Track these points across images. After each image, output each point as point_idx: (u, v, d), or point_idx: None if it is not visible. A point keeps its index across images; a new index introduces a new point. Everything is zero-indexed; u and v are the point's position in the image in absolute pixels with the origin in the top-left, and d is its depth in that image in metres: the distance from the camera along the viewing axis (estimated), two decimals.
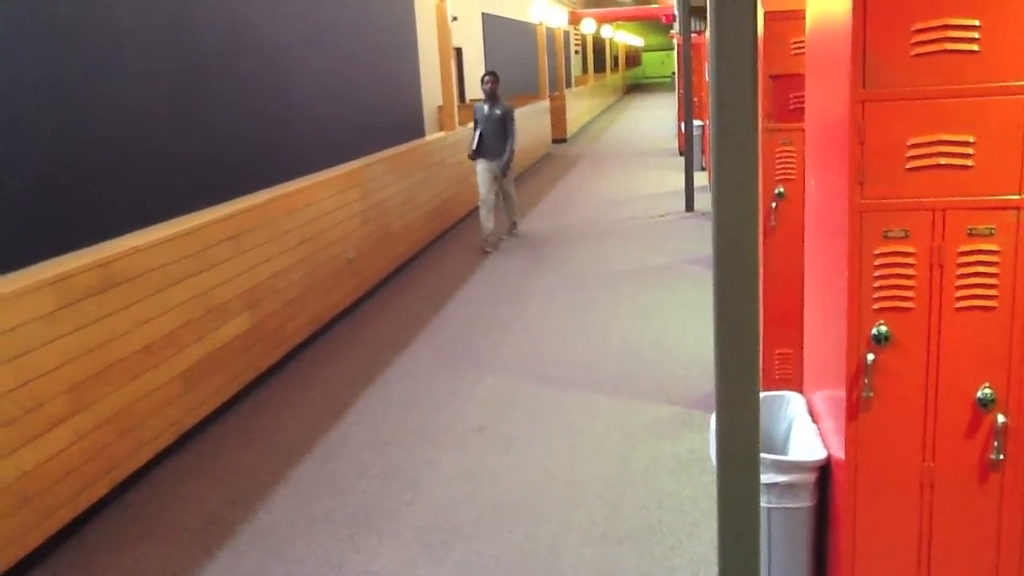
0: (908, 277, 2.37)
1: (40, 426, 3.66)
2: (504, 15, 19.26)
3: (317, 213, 6.54)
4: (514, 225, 9.99)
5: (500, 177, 9.38)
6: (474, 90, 18.18)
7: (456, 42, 14.12)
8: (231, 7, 5.95)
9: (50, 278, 3.77)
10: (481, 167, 9.31)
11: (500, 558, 3.54)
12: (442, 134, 10.72)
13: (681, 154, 13.52)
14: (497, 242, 9.39)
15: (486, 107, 9.19)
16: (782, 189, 4.13)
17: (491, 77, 9.14)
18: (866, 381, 2.42)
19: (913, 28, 2.26)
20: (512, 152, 9.30)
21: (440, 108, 11.79)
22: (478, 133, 9.22)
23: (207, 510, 4.08)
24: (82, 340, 3.93)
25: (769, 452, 2.81)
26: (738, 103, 2.04)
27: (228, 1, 5.89)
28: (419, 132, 10.38)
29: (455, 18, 12.78)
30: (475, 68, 17.96)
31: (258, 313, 5.54)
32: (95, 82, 4.52)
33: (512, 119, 9.19)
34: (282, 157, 6.53)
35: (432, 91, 11.48)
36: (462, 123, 11.55)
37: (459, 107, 12.01)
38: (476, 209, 11.84)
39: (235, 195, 5.70)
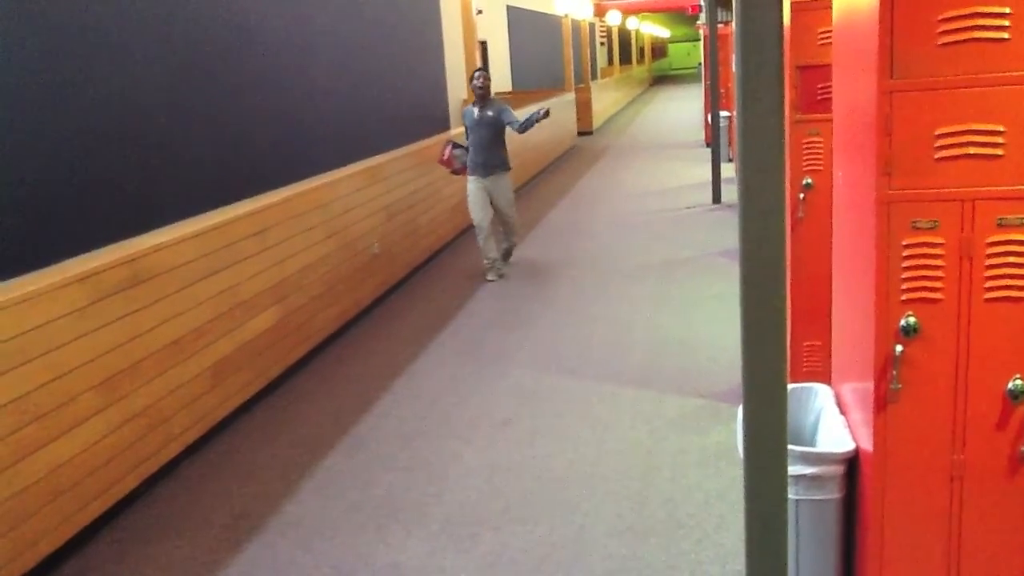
0: (937, 268, 2.34)
1: (72, 420, 3.71)
2: (529, 8, 19.22)
3: (343, 208, 6.57)
4: (508, 252, 8.18)
5: (493, 197, 7.77)
6: (500, 83, 18.18)
7: (481, 35, 14.11)
8: (256, 5, 5.99)
9: (80, 274, 3.82)
10: (472, 186, 7.77)
11: (526, 550, 3.55)
12: None
13: (708, 146, 13.44)
14: (501, 270, 7.93)
15: (476, 110, 7.67)
16: (810, 180, 4.10)
17: (483, 74, 7.68)
18: (894, 373, 2.40)
19: (941, 17, 2.23)
20: (533, 121, 7.65)
21: (465, 101, 11.79)
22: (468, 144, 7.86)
23: (236, 503, 4.12)
24: (112, 335, 3.98)
25: (797, 444, 2.79)
26: (764, 94, 2.02)
27: (247, 2, 5.93)
28: (444, 126, 10.37)
29: (480, 11, 12.78)
30: (500, 61, 17.95)
31: (285, 308, 5.58)
32: (122, 80, 4.56)
33: (509, 110, 7.68)
34: (307, 152, 6.57)
35: (457, 85, 11.48)
36: None
37: None
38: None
39: (261, 191, 5.74)
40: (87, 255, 4.09)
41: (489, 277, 7.83)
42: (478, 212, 7.71)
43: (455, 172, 7.90)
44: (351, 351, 6.18)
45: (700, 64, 47.17)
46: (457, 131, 10.40)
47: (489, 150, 7.65)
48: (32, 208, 3.96)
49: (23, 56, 3.94)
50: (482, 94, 7.62)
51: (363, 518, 3.90)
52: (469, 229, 10.21)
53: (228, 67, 5.62)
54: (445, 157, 7.82)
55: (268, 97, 6.07)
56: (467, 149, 7.80)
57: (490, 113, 7.60)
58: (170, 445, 4.38)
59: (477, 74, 7.69)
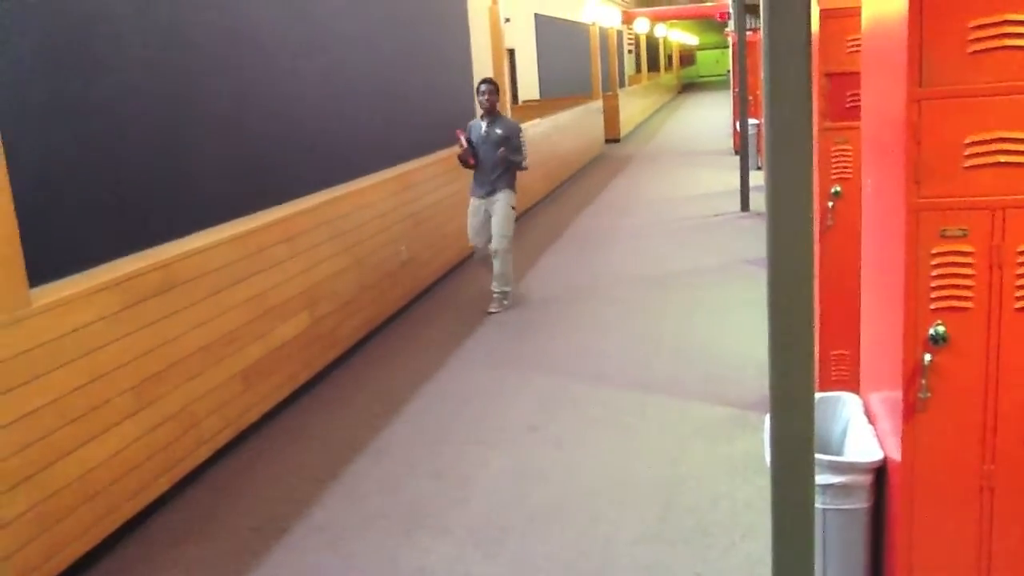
0: (966, 277, 2.33)
1: (105, 423, 3.77)
2: (557, 16, 19.26)
3: (371, 215, 6.62)
4: (498, 299, 7.13)
5: (491, 214, 7.03)
6: (528, 91, 18.22)
7: (508, 43, 14.16)
8: (286, 16, 6.06)
9: (114, 279, 3.88)
10: (472, 206, 7.16)
11: (552, 557, 3.56)
12: None
13: (736, 153, 13.39)
14: (504, 300, 7.17)
15: (483, 125, 7.03)
16: (838, 188, 4.08)
17: (489, 87, 6.97)
18: (923, 382, 2.39)
19: (971, 25, 2.22)
20: (519, 164, 6.99)
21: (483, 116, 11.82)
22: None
23: (265, 507, 4.16)
24: (145, 339, 4.04)
25: (824, 453, 2.78)
26: (792, 101, 2.02)
27: (279, 8, 6.00)
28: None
29: (508, 19, 12.82)
30: (528, 69, 18.00)
31: (314, 313, 5.63)
32: (155, 91, 4.64)
33: (519, 137, 7.00)
34: (336, 160, 6.62)
35: None
36: None
37: (512, 108, 12.04)
38: (531, 208, 11.91)
39: (290, 198, 5.81)
40: (121, 260, 4.16)
41: (492, 310, 7.06)
42: (473, 235, 7.15)
43: (462, 159, 7.09)
44: (378, 357, 6.21)
45: (728, 71, 47.03)
46: None
47: (494, 169, 6.97)
48: (67, 214, 4.03)
49: (60, 68, 4.02)
50: (488, 108, 7.00)
51: (389, 523, 3.92)
52: None
53: (259, 77, 5.69)
54: (461, 137, 7.00)
55: (297, 106, 6.14)
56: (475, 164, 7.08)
57: (499, 131, 6.95)
58: (201, 448, 4.43)
59: (483, 87, 7.00)
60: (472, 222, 7.19)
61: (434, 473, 4.38)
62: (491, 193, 7.02)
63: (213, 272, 4.58)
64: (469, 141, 7.02)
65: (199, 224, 4.83)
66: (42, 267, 3.62)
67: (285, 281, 5.30)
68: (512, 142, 6.92)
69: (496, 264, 7.05)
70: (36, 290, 3.53)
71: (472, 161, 7.04)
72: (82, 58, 4.15)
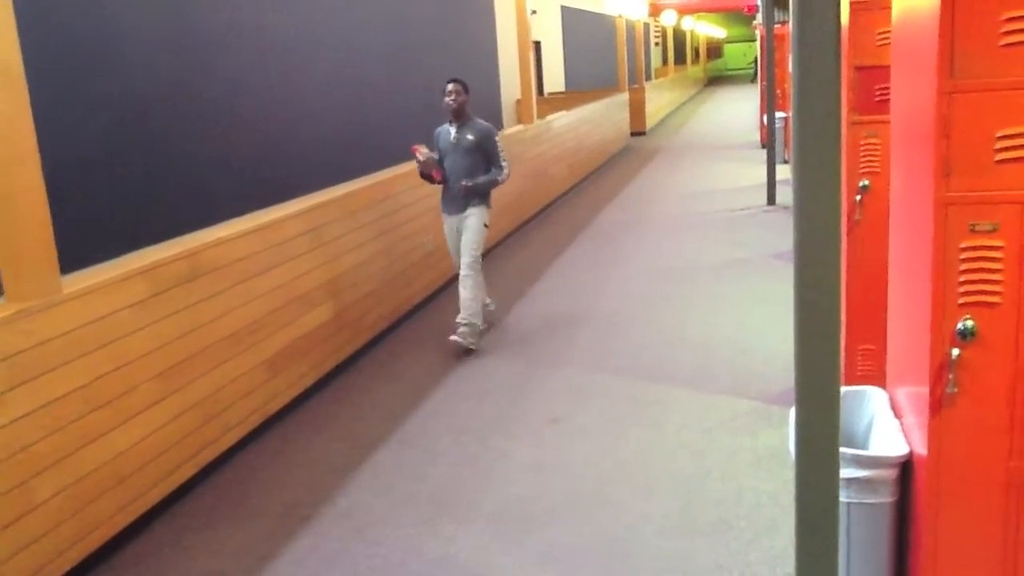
0: (995, 271, 2.31)
1: (132, 409, 3.82)
2: (583, 8, 19.20)
3: (395, 206, 6.64)
4: (463, 331, 5.91)
5: (460, 230, 6.03)
6: (554, 83, 18.20)
7: (535, 36, 14.14)
8: (310, 9, 6.09)
9: (142, 268, 3.92)
10: (446, 227, 6.19)
11: (574, 547, 3.57)
12: (520, 127, 10.76)
13: (763, 147, 13.30)
14: (487, 319, 6.37)
15: (452, 130, 6.02)
16: (867, 182, 4.05)
17: (456, 86, 5.94)
18: (950, 377, 2.37)
19: (1003, 17, 2.20)
20: (494, 182, 6.01)
21: (518, 102, 11.84)
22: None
23: (289, 493, 4.20)
24: (172, 327, 4.08)
25: (850, 447, 2.77)
26: (820, 94, 2.01)
27: (302, 4, 6.03)
28: (497, 126, 10.42)
29: (534, 12, 12.81)
30: (554, 61, 17.97)
31: (339, 303, 5.67)
32: (182, 83, 4.68)
33: (494, 143, 6.01)
34: (360, 151, 6.66)
35: (510, 85, 11.53)
36: (540, 116, 11.57)
37: (537, 101, 12.03)
38: (555, 201, 11.92)
39: (315, 189, 5.85)
40: (148, 249, 4.21)
41: (453, 338, 5.92)
42: (455, 257, 6.21)
43: (424, 173, 6.07)
44: (403, 347, 6.24)
45: (755, 62, 46.59)
46: (512, 130, 10.45)
47: (467, 177, 5.98)
48: (97, 203, 4.08)
49: (91, 64, 4.07)
50: (455, 110, 5.97)
51: (413, 511, 3.95)
52: (521, 228, 10.24)
53: (284, 70, 5.73)
54: (418, 152, 5.98)
55: (323, 97, 6.17)
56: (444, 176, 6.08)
57: (469, 137, 5.96)
58: (226, 435, 4.48)
59: (449, 87, 5.96)
60: (450, 243, 6.24)
61: (457, 463, 4.40)
62: (463, 208, 6.02)
63: (238, 261, 4.62)
64: (440, 160, 6.06)
65: (225, 214, 4.88)
66: (71, 256, 3.67)
67: (310, 270, 5.34)
68: (488, 144, 6.00)
69: (462, 290, 5.97)
70: (67, 277, 3.58)
71: (438, 176, 6.03)
72: (111, 54, 4.20)
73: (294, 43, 5.84)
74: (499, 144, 6.08)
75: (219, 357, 4.42)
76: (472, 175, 5.95)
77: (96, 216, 4.06)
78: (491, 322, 6.49)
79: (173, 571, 3.61)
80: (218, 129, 4.97)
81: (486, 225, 6.12)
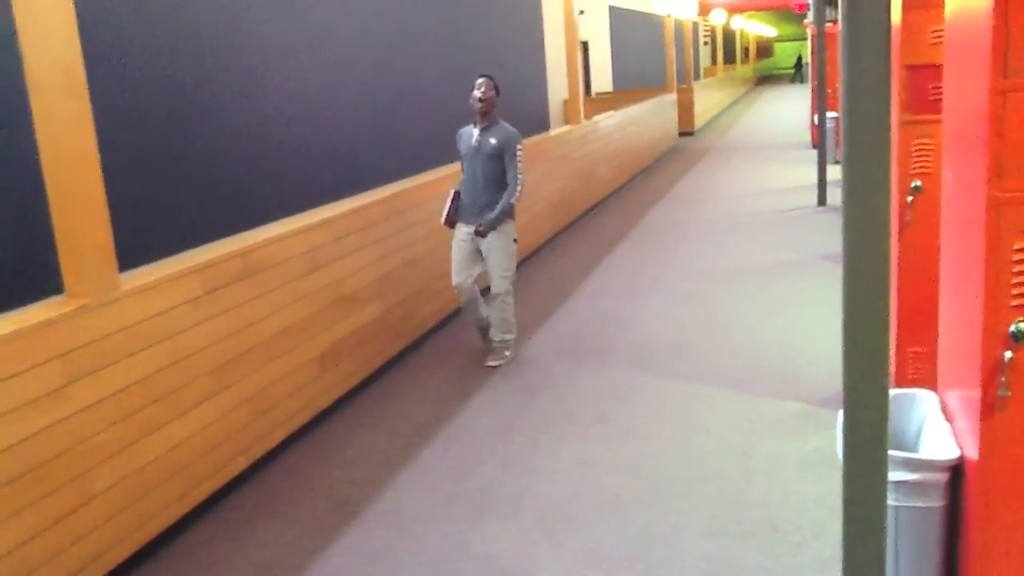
0: None
1: (187, 403, 3.91)
2: (631, 8, 19.13)
3: (443, 206, 6.68)
4: (499, 349, 5.79)
5: (484, 252, 5.66)
6: (601, 83, 18.15)
7: (582, 35, 14.13)
8: (359, 10, 6.16)
9: (197, 265, 4.02)
10: (459, 237, 5.74)
11: (619, 547, 3.57)
12: (567, 128, 10.77)
13: (814, 147, 13.14)
14: (488, 329, 5.85)
15: (475, 133, 5.63)
16: (919, 183, 3.99)
17: (487, 81, 5.58)
18: (1002, 380, 2.34)
19: None
20: (516, 199, 5.61)
21: (565, 102, 11.84)
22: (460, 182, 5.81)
23: (336, 489, 4.26)
24: (225, 324, 4.17)
25: (899, 450, 2.74)
26: (871, 94, 2.00)
27: (357, 7, 6.11)
28: (544, 126, 10.44)
29: (582, 12, 12.80)
30: (602, 61, 17.93)
31: (387, 301, 5.73)
32: (236, 86, 4.77)
33: (515, 152, 5.56)
34: (409, 151, 6.72)
35: (558, 85, 11.53)
36: (587, 116, 11.56)
37: (585, 101, 12.03)
38: (603, 201, 11.90)
39: (364, 188, 5.92)
40: (203, 247, 4.31)
41: (491, 363, 5.71)
42: (460, 271, 5.68)
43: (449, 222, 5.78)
44: (451, 344, 6.29)
45: (799, 61, 45.99)
46: (559, 131, 10.46)
47: (487, 189, 5.59)
48: (155, 203, 4.19)
49: (148, 66, 4.17)
50: (483, 110, 5.57)
51: (458, 509, 3.98)
52: (568, 227, 10.25)
53: (335, 71, 5.81)
54: (447, 211, 5.77)
55: (371, 99, 6.24)
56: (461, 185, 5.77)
57: (492, 141, 5.56)
58: (277, 431, 4.56)
59: (479, 81, 5.58)
60: (456, 256, 5.71)
61: (503, 461, 4.43)
62: (482, 218, 5.63)
63: (290, 260, 4.71)
64: (456, 196, 5.74)
65: (277, 214, 4.97)
66: (130, 253, 3.77)
67: (359, 269, 5.41)
68: (508, 152, 5.56)
69: (494, 310, 5.75)
70: (125, 275, 3.68)
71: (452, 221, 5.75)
72: (168, 57, 4.30)
73: (344, 44, 5.92)
74: (519, 154, 5.59)
75: (270, 353, 4.50)
76: (491, 182, 5.59)
77: (153, 215, 4.17)
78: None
79: (225, 562, 3.69)
80: (271, 130, 5.06)
81: (515, 240, 5.78)
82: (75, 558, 3.30)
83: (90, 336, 3.39)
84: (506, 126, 5.65)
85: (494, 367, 5.73)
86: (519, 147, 5.59)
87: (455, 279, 5.68)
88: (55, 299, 3.43)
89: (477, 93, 5.55)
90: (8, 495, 3.03)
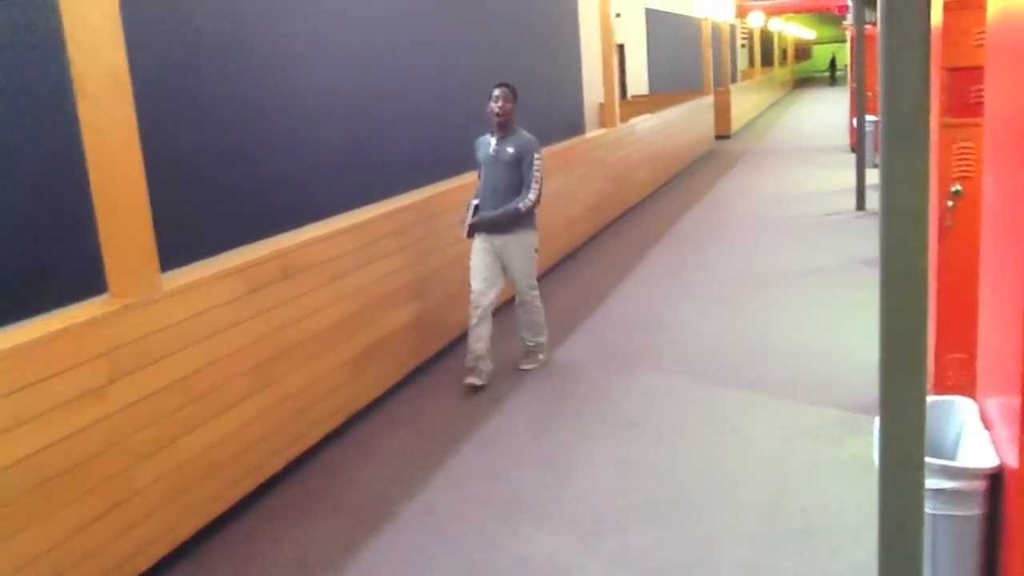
0: None
1: (226, 403, 3.97)
2: (668, 10, 19.04)
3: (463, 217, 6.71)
4: (533, 352, 5.84)
5: (505, 263, 5.56)
6: (637, 86, 18.10)
7: (618, 38, 14.10)
8: (395, 12, 6.21)
9: (237, 266, 4.08)
10: (478, 246, 5.57)
11: (653, 551, 3.57)
12: (602, 131, 10.76)
13: (853, 151, 13.01)
14: (486, 372, 5.49)
15: (492, 142, 5.50)
16: (959, 187, 3.95)
17: (504, 92, 5.43)
18: None
19: None
20: (514, 212, 5.39)
21: (601, 105, 11.82)
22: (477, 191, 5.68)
23: (372, 489, 4.30)
24: (265, 324, 4.23)
25: (937, 458, 2.71)
26: (909, 97, 1.99)
27: (391, 10, 6.15)
28: (579, 129, 10.43)
29: (618, 15, 12.77)
30: (638, 64, 17.88)
31: (422, 304, 5.77)
32: (275, 89, 4.83)
33: (532, 160, 5.40)
34: (444, 155, 6.75)
35: (593, 88, 11.51)
36: (623, 119, 11.54)
37: (620, 104, 12.00)
38: (638, 204, 11.87)
39: (400, 192, 5.96)
40: (242, 249, 4.37)
41: (468, 380, 5.40)
42: (479, 282, 5.50)
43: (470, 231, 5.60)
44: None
45: (834, 63, 45.50)
46: (594, 134, 10.45)
47: (505, 198, 5.43)
48: (196, 205, 4.25)
49: (189, 70, 4.24)
50: (500, 121, 5.44)
51: (492, 510, 4.00)
52: (604, 230, 10.23)
53: (374, 74, 5.86)
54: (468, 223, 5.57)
55: (406, 102, 6.28)
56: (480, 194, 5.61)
57: (510, 150, 5.42)
58: (313, 430, 4.61)
59: (496, 92, 5.44)
60: (477, 263, 5.54)
61: (536, 463, 4.44)
62: (503, 231, 5.50)
63: (328, 261, 4.76)
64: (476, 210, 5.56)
65: (315, 216, 5.03)
66: (172, 254, 3.84)
67: (395, 271, 5.45)
68: (526, 162, 5.41)
69: (523, 315, 5.77)
70: (166, 275, 3.75)
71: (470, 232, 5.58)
72: (208, 60, 4.37)
73: (382, 52, 5.97)
74: (537, 162, 5.42)
75: (308, 354, 4.55)
76: (511, 193, 5.42)
77: (194, 217, 4.23)
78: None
79: (263, 559, 3.74)
80: (309, 134, 5.12)
81: (535, 250, 5.68)
82: (116, 554, 3.36)
83: (133, 335, 3.45)
84: (524, 134, 5.50)
85: (527, 370, 5.76)
86: (537, 155, 5.44)
87: (475, 285, 5.51)
88: (100, 299, 3.51)
89: (494, 106, 5.42)
90: (53, 490, 3.10)
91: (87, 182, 3.40)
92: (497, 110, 5.40)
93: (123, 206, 3.45)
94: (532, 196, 5.40)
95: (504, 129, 5.47)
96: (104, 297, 3.50)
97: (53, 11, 3.29)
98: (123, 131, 3.43)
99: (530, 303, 5.71)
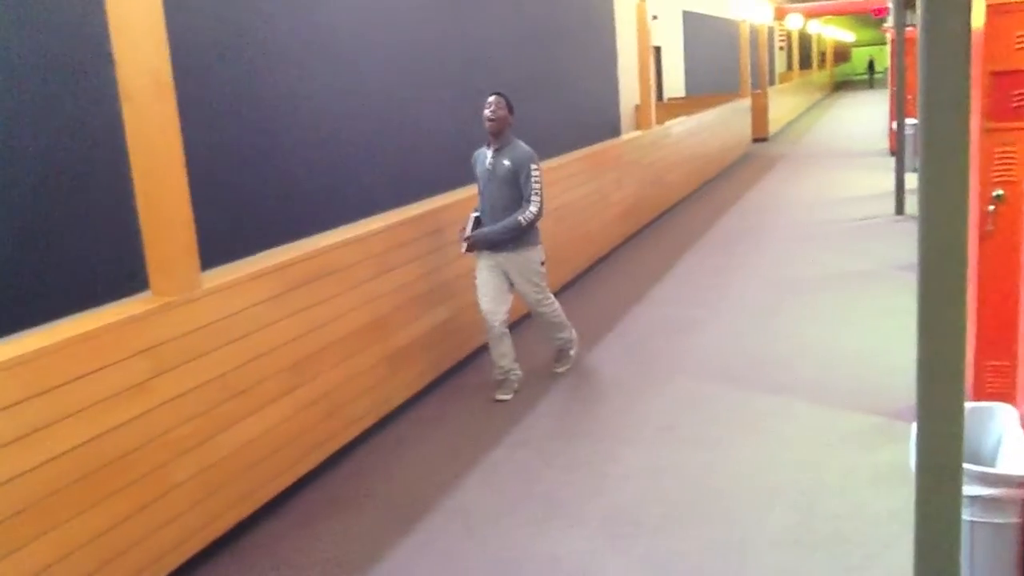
0: None
1: (262, 400, 4.02)
2: (705, 13, 18.97)
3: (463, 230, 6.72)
4: (564, 351, 5.84)
5: (512, 281, 5.40)
6: (674, 88, 18.04)
7: (655, 41, 14.06)
8: (430, 15, 6.26)
9: (275, 265, 4.13)
10: (481, 264, 5.40)
11: (685, 555, 3.56)
12: (638, 133, 10.74)
13: (892, 154, 12.86)
14: (517, 383, 5.47)
15: (489, 154, 5.31)
16: (1000, 192, 3.90)
17: (497, 99, 5.22)
18: None
19: None
20: (526, 220, 5.16)
21: (637, 107, 11.80)
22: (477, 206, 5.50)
23: (405, 488, 4.33)
24: (300, 323, 4.28)
25: (975, 465, 2.68)
26: (950, 100, 1.97)
27: (435, 13, 6.20)
28: (615, 131, 10.43)
29: (655, 17, 12.74)
30: (674, 66, 17.82)
31: (455, 305, 5.80)
32: (310, 95, 4.90)
33: (529, 172, 5.17)
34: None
35: (630, 90, 11.50)
36: (659, 122, 11.51)
37: (657, 106, 11.96)
38: (674, 207, 11.83)
39: (434, 193, 6.00)
40: (280, 248, 4.43)
41: (499, 396, 5.36)
42: (487, 301, 5.33)
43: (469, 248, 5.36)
44: (518, 348, 6.29)
45: (872, 65, 44.97)
46: (630, 136, 10.43)
47: (505, 215, 5.24)
48: (235, 206, 4.32)
49: (229, 72, 4.31)
50: (493, 130, 5.22)
51: (525, 511, 4.01)
52: (639, 233, 10.21)
53: (409, 77, 5.91)
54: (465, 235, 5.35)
55: (443, 105, 6.33)
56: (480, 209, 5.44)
57: (506, 163, 5.21)
58: (348, 428, 4.66)
59: (490, 100, 5.22)
60: (482, 281, 5.38)
61: (568, 466, 4.44)
62: (504, 247, 5.30)
63: (363, 261, 4.80)
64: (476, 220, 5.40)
65: (351, 217, 5.08)
66: (212, 253, 3.90)
67: (429, 272, 5.48)
68: (523, 175, 5.18)
69: (541, 323, 5.72)
70: (206, 274, 3.81)
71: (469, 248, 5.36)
72: (247, 63, 4.43)
73: (416, 51, 6.02)
74: (535, 175, 5.19)
75: (343, 353, 4.60)
76: (511, 209, 5.21)
77: (234, 217, 4.31)
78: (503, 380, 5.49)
79: (298, 555, 3.78)
80: (345, 136, 5.18)
81: (542, 263, 5.49)
82: (154, 547, 3.42)
83: (174, 332, 3.52)
84: (521, 145, 5.28)
85: (561, 372, 5.78)
86: (534, 167, 5.21)
87: (483, 305, 5.33)
88: (141, 296, 3.57)
89: (487, 112, 5.19)
90: (95, 483, 3.16)
91: (130, 182, 3.47)
92: (489, 115, 5.19)
93: (166, 207, 3.52)
94: (534, 209, 5.19)
95: (499, 139, 5.27)
96: (146, 295, 3.57)
97: (101, 16, 3.36)
98: (167, 134, 3.50)
99: (545, 313, 5.59)
